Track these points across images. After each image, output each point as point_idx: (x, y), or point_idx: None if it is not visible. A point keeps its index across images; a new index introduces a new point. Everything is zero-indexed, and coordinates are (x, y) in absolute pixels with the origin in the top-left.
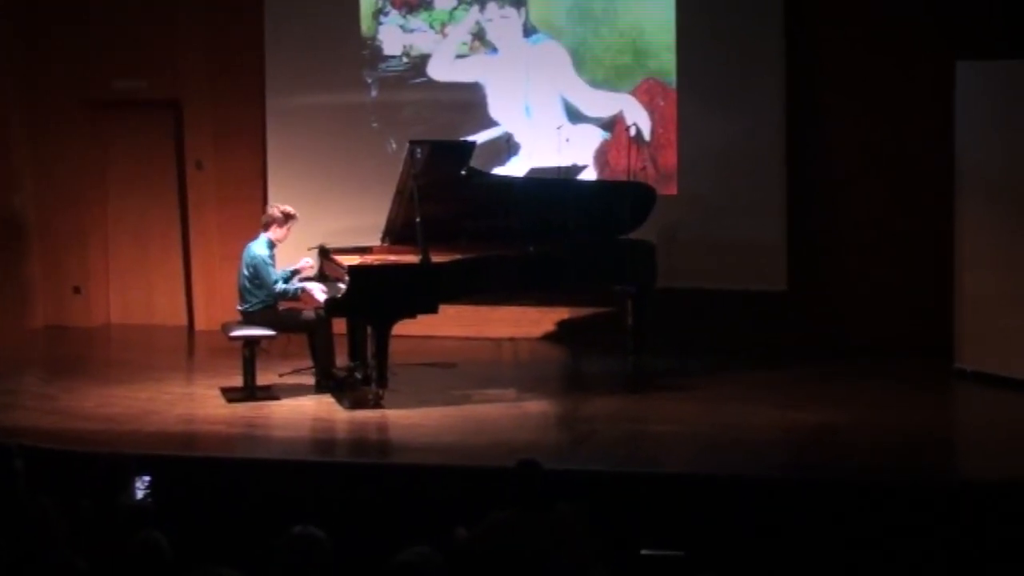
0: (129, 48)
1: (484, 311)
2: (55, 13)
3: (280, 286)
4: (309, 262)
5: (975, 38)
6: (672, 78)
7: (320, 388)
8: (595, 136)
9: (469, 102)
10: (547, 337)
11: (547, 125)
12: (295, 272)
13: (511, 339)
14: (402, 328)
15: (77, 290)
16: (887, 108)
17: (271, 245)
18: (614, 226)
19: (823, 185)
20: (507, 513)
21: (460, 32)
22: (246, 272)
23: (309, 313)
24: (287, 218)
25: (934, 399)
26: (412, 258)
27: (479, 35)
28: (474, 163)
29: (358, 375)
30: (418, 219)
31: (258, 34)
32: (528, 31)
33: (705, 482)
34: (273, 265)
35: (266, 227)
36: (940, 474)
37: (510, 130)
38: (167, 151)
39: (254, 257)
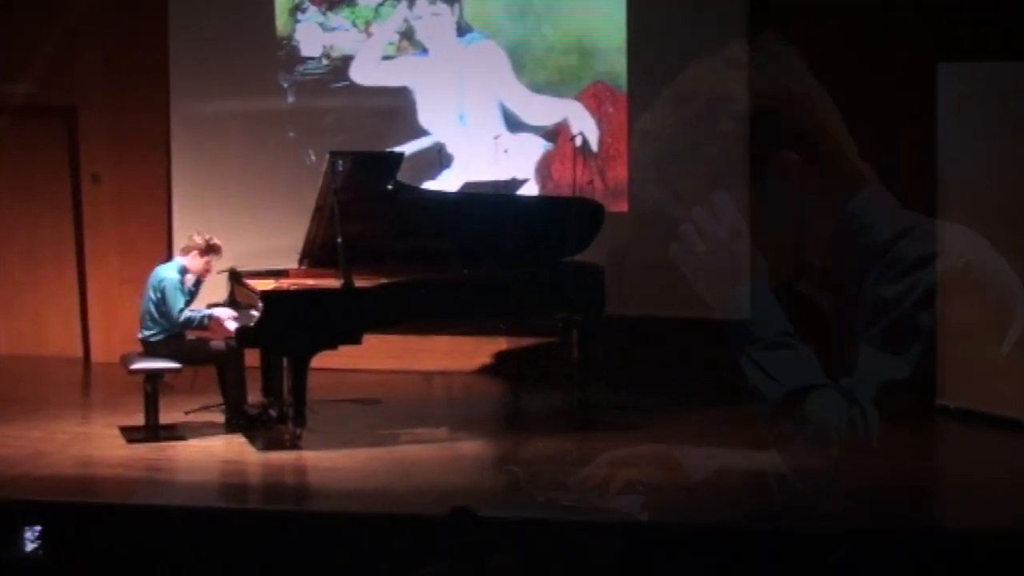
0: (17, 48)
1: (413, 341)
2: None
3: (185, 314)
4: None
5: (958, 38)
6: (623, 81)
7: (230, 427)
8: (537, 146)
9: (396, 109)
10: (483, 370)
11: (483, 134)
12: (198, 283)
13: (443, 372)
14: (321, 360)
15: None
16: (862, 116)
17: (183, 271)
18: (558, 247)
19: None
20: (438, 566)
21: (386, 31)
22: (152, 296)
23: (218, 343)
24: (209, 250)
25: (915, 439)
26: (333, 282)
27: (407, 34)
28: (402, 176)
29: (273, 412)
30: (339, 239)
31: (162, 33)
32: (462, 30)
33: (658, 531)
34: (183, 292)
35: (184, 252)
36: (921, 522)
37: (442, 140)
38: (60, 163)
39: (162, 280)
